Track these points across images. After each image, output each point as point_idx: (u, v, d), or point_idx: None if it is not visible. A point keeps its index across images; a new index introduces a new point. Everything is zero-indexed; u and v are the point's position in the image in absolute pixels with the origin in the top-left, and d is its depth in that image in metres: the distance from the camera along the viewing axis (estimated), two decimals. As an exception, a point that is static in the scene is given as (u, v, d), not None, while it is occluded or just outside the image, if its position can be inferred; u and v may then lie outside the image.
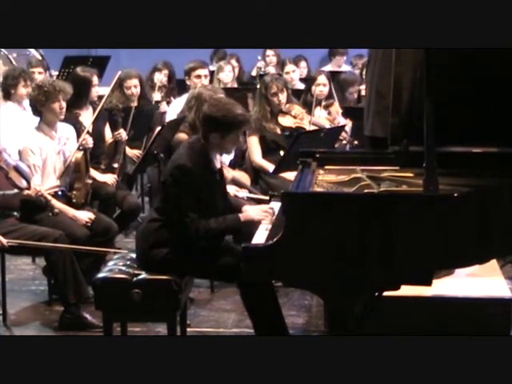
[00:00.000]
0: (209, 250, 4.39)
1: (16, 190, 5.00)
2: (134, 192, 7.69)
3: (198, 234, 4.30)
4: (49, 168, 5.45)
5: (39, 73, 7.50)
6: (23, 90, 6.43)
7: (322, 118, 7.04)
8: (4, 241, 4.94)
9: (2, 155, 4.95)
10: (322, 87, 7.29)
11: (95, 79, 6.47)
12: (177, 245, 4.35)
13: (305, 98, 7.18)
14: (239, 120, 4.35)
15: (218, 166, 4.53)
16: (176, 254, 4.35)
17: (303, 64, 9.66)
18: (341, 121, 7.24)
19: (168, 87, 7.98)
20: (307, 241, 3.64)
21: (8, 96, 6.45)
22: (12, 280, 5.95)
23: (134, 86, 7.21)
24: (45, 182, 5.35)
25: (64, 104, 5.48)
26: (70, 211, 5.40)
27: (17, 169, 4.98)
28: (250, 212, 4.44)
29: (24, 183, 4.99)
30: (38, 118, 5.56)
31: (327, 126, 6.88)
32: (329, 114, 7.20)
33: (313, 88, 7.11)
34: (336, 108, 7.34)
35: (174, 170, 4.34)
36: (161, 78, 8.00)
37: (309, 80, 7.54)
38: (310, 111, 6.71)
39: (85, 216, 5.42)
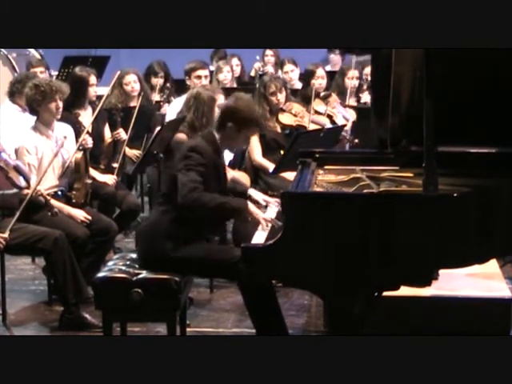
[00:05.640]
0: (211, 247, 4.44)
1: (15, 190, 5.00)
2: (134, 192, 7.68)
3: (201, 199, 4.28)
4: (46, 167, 5.44)
5: (41, 72, 7.50)
6: None
7: (322, 116, 7.04)
8: (4, 235, 4.92)
9: (2, 155, 4.95)
10: (320, 80, 7.32)
11: (93, 79, 6.47)
12: (184, 240, 4.36)
13: (303, 92, 7.18)
14: (257, 119, 4.62)
15: (224, 161, 4.64)
16: (182, 250, 4.35)
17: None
18: (340, 110, 7.25)
19: (169, 88, 7.97)
20: (307, 241, 3.64)
21: (12, 96, 6.44)
22: (12, 280, 5.95)
23: (133, 81, 7.22)
24: (43, 182, 5.34)
25: (61, 104, 5.48)
26: (66, 209, 5.40)
27: (16, 169, 4.98)
28: (256, 209, 4.46)
29: (24, 183, 4.99)
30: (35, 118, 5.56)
31: (327, 124, 6.89)
32: (327, 104, 7.20)
33: (312, 81, 7.13)
34: (334, 98, 7.36)
35: (187, 152, 4.41)
36: (158, 80, 8.01)
37: (306, 74, 7.53)
38: (309, 104, 6.76)
39: (80, 214, 5.41)
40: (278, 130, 6.55)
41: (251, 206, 4.40)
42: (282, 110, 6.60)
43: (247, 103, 4.58)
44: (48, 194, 5.16)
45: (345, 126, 6.85)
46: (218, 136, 4.51)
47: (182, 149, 4.54)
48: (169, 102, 7.66)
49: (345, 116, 7.23)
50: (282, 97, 6.56)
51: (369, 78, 8.06)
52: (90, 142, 5.87)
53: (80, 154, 5.69)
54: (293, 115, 6.65)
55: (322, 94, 7.29)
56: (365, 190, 3.98)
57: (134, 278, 4.33)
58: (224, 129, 4.50)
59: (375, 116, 4.39)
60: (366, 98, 7.93)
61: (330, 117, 7.12)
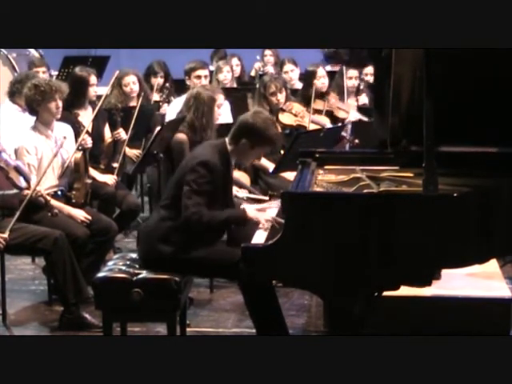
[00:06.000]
0: (212, 247, 4.41)
1: (16, 190, 5.00)
2: (134, 192, 7.68)
3: (201, 221, 4.29)
4: (46, 167, 5.43)
5: (43, 72, 7.50)
6: None
7: (322, 116, 7.05)
8: (4, 235, 4.93)
9: (2, 155, 4.96)
10: (323, 79, 7.32)
11: (93, 79, 6.47)
12: (184, 246, 4.36)
13: (304, 92, 7.18)
14: (273, 138, 4.53)
15: (232, 173, 4.61)
16: (182, 254, 4.35)
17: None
18: (340, 105, 7.25)
19: (169, 88, 7.97)
20: (307, 241, 3.64)
21: (12, 96, 6.44)
22: (12, 280, 5.95)
23: (132, 83, 7.21)
24: (43, 182, 5.34)
25: (60, 103, 5.48)
26: (66, 209, 5.40)
27: (17, 169, 4.98)
28: (256, 213, 4.45)
29: (24, 183, 5.00)
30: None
31: (328, 124, 6.89)
32: (327, 101, 7.20)
33: (314, 81, 7.13)
34: (333, 96, 7.36)
35: (196, 166, 4.36)
36: (158, 80, 8.01)
37: (307, 75, 7.52)
38: (309, 104, 6.76)
39: (80, 214, 5.41)
40: (279, 129, 6.55)
41: (249, 212, 4.40)
42: (282, 110, 6.61)
43: (265, 121, 4.51)
44: (48, 194, 5.16)
45: (344, 125, 6.85)
46: (229, 147, 4.48)
47: (192, 160, 4.46)
48: (168, 101, 7.66)
49: (344, 109, 7.22)
50: (281, 97, 6.57)
51: (366, 78, 8.08)
52: (89, 142, 5.87)
53: (79, 154, 5.68)
54: (293, 115, 6.66)
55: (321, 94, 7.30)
56: (365, 190, 3.98)
57: (134, 278, 4.33)
58: (237, 143, 4.47)
59: (376, 116, 4.39)
60: (363, 99, 7.92)
61: (330, 113, 7.12)
